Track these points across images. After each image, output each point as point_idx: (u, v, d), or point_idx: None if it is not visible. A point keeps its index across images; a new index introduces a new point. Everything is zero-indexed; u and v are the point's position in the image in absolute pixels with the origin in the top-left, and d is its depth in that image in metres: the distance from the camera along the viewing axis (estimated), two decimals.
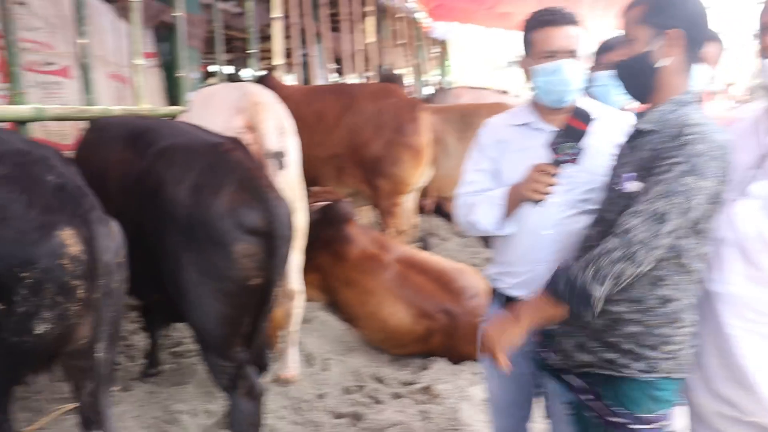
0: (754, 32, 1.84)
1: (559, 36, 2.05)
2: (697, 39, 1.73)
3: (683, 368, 1.75)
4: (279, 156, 3.13)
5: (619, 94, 2.45)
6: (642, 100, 1.85)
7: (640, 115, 1.82)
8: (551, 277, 1.72)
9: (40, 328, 1.85)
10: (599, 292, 1.63)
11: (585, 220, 1.98)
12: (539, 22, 2.07)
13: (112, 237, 2.03)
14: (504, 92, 10.52)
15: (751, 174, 1.80)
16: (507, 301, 2.16)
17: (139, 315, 3.88)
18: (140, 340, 3.78)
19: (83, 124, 3.95)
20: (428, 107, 5.55)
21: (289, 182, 3.16)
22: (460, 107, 6.58)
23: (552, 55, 2.05)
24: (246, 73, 17.24)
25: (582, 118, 1.88)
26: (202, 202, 2.40)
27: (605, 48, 2.88)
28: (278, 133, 3.14)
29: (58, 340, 1.93)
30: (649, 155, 1.69)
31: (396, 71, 11.12)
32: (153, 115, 4.60)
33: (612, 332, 1.74)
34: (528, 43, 2.12)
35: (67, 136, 4.80)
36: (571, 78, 2.05)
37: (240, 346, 2.53)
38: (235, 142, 2.75)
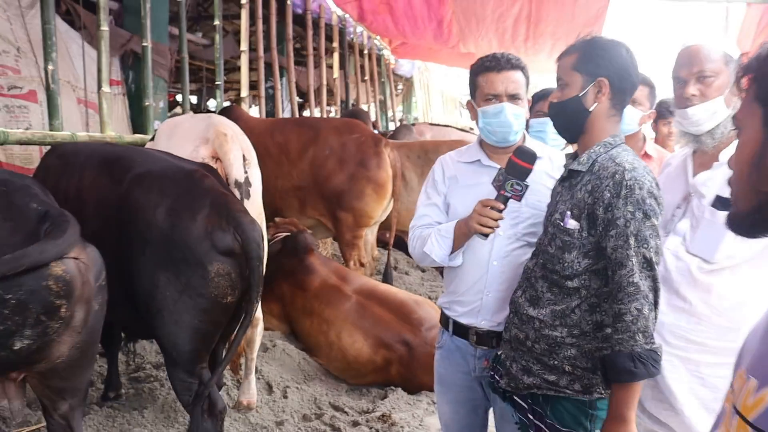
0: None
1: (502, 80, 2.17)
2: (623, 86, 1.88)
3: None
4: (243, 186, 3.21)
5: (555, 140, 2.60)
6: (571, 140, 2.00)
7: (570, 155, 1.96)
8: (614, 370, 1.75)
9: (19, 344, 1.90)
10: (657, 344, 1.75)
11: (527, 253, 2.10)
12: (483, 67, 2.21)
13: (93, 260, 2.11)
14: (467, 130, 10.75)
15: (680, 212, 1.97)
16: (456, 328, 2.26)
17: None
18: (99, 365, 3.77)
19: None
20: (391, 143, 5.68)
21: (253, 211, 3.23)
22: (421, 143, 6.71)
23: (494, 98, 2.18)
24: (211, 103, 17.33)
25: (526, 157, 2.00)
26: (179, 226, 2.54)
27: (539, 96, 3.02)
28: (243, 164, 3.23)
29: (34, 355, 1.97)
30: (588, 196, 1.82)
31: (361, 106, 11.30)
32: (119, 143, 4.63)
33: (553, 356, 1.86)
34: (474, 87, 2.25)
35: (32, 159, 4.82)
36: (513, 120, 2.17)
37: (205, 364, 2.63)
38: (207, 168, 2.86)
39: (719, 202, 1.87)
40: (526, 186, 1.99)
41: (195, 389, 2.58)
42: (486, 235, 2.04)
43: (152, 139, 3.69)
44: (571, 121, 1.95)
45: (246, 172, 3.20)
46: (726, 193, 1.61)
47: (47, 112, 4.35)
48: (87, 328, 2.07)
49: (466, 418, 2.36)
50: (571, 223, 1.84)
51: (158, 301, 2.53)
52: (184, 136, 3.29)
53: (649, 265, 1.75)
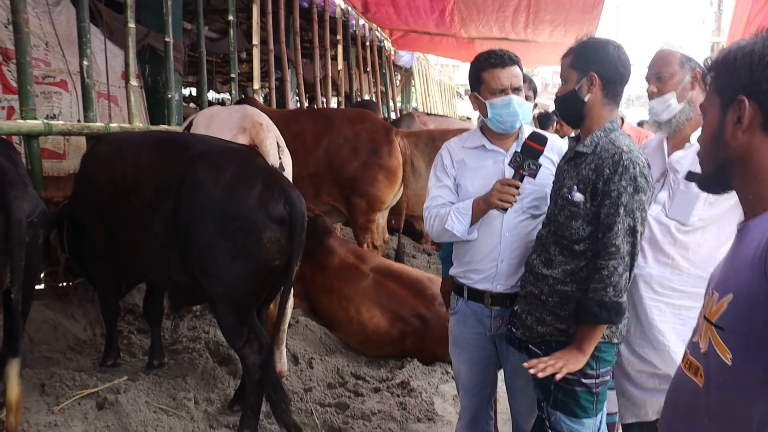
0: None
1: (506, 76, 2.44)
2: (612, 78, 2.20)
3: (620, 335, 2.21)
4: (279, 170, 3.50)
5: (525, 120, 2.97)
6: (575, 126, 2.33)
7: (573, 138, 2.30)
8: (583, 312, 2.09)
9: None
10: (624, 299, 2.09)
11: (532, 224, 2.44)
12: (489, 63, 2.46)
13: (27, 199, 2.56)
14: (467, 119, 11.05)
15: (659, 185, 2.37)
16: (471, 293, 2.55)
17: (139, 314, 4.19)
18: (139, 339, 4.08)
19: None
20: (401, 131, 5.95)
21: None
22: (428, 132, 7.00)
23: (501, 91, 2.44)
24: (210, 95, 17.60)
25: (539, 140, 2.32)
26: (237, 198, 2.88)
27: None
28: (277, 151, 3.53)
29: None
30: (592, 174, 2.14)
31: (365, 97, 11.57)
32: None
33: (564, 308, 2.19)
34: (479, 81, 2.49)
35: (60, 146, 5.17)
36: (519, 110, 2.45)
37: (254, 314, 3.05)
38: (253, 149, 3.18)
39: (691, 176, 2.24)
40: (540, 165, 2.30)
41: (245, 334, 2.96)
42: (505, 209, 2.34)
43: (187, 128, 3.98)
44: (571, 110, 2.27)
45: (280, 158, 3.51)
46: (696, 168, 1.97)
47: (82, 105, 4.64)
48: (21, 257, 2.57)
49: (479, 375, 2.65)
50: (578, 197, 2.16)
51: (217, 263, 2.89)
52: (222, 125, 3.58)
53: (632, 232, 2.07)
